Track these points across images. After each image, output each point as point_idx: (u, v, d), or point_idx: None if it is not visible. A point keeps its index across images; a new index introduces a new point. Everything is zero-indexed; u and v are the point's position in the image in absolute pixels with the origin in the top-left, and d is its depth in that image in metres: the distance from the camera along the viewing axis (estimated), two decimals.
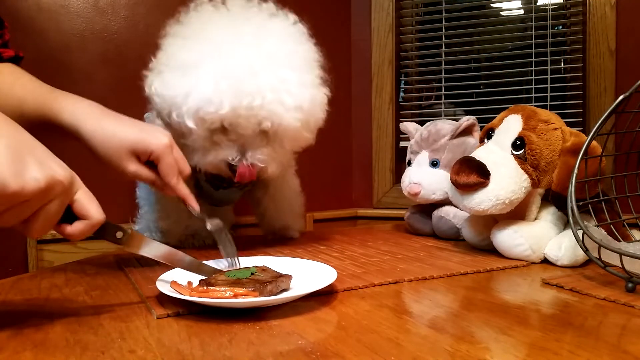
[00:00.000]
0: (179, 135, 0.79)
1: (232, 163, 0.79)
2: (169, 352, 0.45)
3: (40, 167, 0.46)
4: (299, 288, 0.61)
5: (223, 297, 0.55)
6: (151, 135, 0.70)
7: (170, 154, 0.70)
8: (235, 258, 0.72)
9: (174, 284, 0.59)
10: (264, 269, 0.63)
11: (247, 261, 0.70)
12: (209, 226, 0.74)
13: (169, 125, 0.80)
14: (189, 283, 0.61)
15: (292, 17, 0.85)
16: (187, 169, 0.73)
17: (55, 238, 1.24)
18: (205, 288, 0.57)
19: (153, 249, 0.62)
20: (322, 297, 0.61)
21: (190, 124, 0.76)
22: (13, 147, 0.46)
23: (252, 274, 0.61)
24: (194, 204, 0.73)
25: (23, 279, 0.73)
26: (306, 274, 0.65)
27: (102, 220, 0.54)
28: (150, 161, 0.71)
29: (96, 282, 0.71)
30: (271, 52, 0.78)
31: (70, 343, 0.48)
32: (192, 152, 0.80)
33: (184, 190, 0.72)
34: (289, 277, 0.62)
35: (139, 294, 0.64)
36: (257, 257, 0.73)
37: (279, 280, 0.60)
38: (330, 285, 0.61)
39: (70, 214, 0.52)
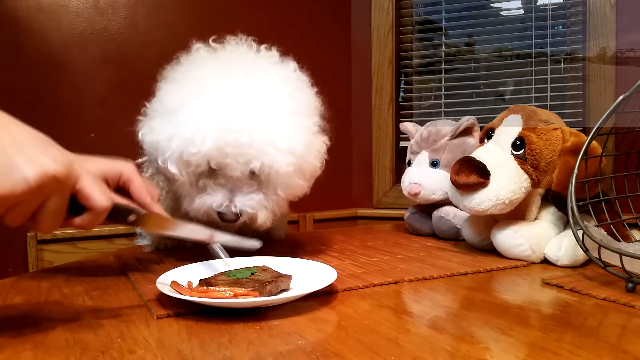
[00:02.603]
0: (169, 181, 0.76)
1: (219, 210, 0.73)
2: (169, 352, 0.45)
3: (29, 166, 0.45)
4: (299, 288, 0.61)
5: (223, 297, 0.55)
6: (117, 162, 0.68)
7: (139, 175, 0.68)
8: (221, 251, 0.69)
9: (174, 284, 0.59)
10: (264, 269, 0.63)
11: (247, 261, 0.70)
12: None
13: (159, 170, 0.77)
14: (189, 283, 0.61)
15: (293, 64, 0.81)
16: (157, 191, 0.70)
17: (55, 238, 1.24)
18: (205, 288, 0.57)
19: (171, 226, 0.61)
20: (322, 297, 0.61)
21: (173, 169, 0.72)
22: None
23: (252, 273, 0.61)
24: None
25: (23, 279, 0.73)
26: (306, 274, 0.65)
27: (108, 207, 0.52)
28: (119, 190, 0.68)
29: (96, 282, 0.71)
30: (263, 93, 0.74)
31: (70, 343, 0.48)
32: (180, 197, 0.77)
33: (159, 208, 0.68)
34: (289, 277, 0.62)
35: (139, 294, 0.64)
36: (257, 257, 0.73)
37: (278, 280, 0.60)
38: (330, 285, 0.61)
39: (79, 204, 0.51)
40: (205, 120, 0.70)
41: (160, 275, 0.62)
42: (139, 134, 0.77)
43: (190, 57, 0.81)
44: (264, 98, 0.74)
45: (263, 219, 0.76)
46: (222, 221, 0.74)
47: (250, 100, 0.72)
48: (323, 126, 0.81)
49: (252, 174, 0.74)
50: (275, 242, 0.99)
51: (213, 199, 0.73)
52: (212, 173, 0.74)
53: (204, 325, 0.52)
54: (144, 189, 0.66)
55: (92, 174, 0.52)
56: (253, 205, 0.74)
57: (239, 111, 0.71)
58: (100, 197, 0.52)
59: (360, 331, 0.50)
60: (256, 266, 0.64)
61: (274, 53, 0.82)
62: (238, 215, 0.73)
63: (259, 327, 0.52)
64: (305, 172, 0.77)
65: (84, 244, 1.25)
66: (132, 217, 0.58)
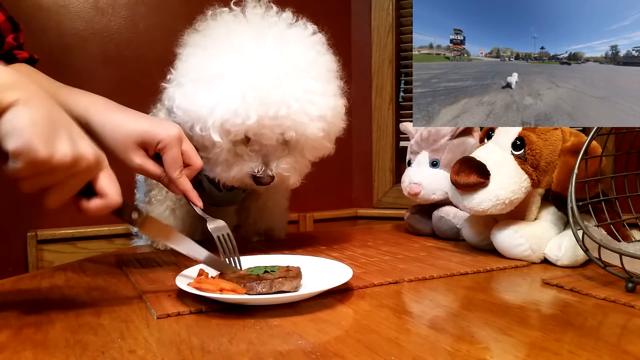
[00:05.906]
0: (201, 148, 0.78)
1: (257, 175, 0.78)
2: (169, 352, 0.45)
3: (70, 143, 0.49)
4: (305, 288, 0.61)
5: (209, 290, 0.57)
6: (160, 126, 0.70)
7: (177, 146, 0.70)
8: (235, 258, 0.70)
9: (200, 271, 0.63)
10: (288, 269, 0.63)
11: (280, 259, 0.71)
12: (209, 226, 0.72)
13: (190, 138, 0.78)
14: (205, 274, 0.64)
15: (311, 26, 0.84)
16: (198, 162, 0.72)
17: (55, 238, 1.24)
18: (199, 278, 0.59)
19: (169, 236, 0.62)
20: (322, 297, 0.61)
21: (216, 137, 0.75)
22: (49, 119, 0.48)
23: (266, 271, 0.61)
24: (196, 200, 0.72)
25: (23, 279, 0.73)
26: (324, 274, 0.65)
27: (119, 202, 0.55)
28: (159, 156, 0.71)
29: (96, 282, 0.71)
30: (294, 61, 0.77)
31: (70, 343, 0.48)
32: (213, 165, 0.80)
33: (185, 184, 0.71)
34: (294, 279, 0.60)
35: (139, 294, 0.64)
36: (290, 255, 0.75)
37: (276, 281, 0.59)
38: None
39: (89, 191, 0.54)
40: (249, 92, 0.73)
41: (160, 275, 0.62)
42: (173, 102, 0.78)
43: (214, 22, 0.82)
44: (295, 66, 0.77)
45: (294, 180, 0.83)
46: (258, 184, 0.79)
47: (285, 70, 0.76)
48: (342, 88, 0.84)
49: (284, 140, 0.78)
50: (275, 242, 0.99)
51: (251, 166, 0.78)
52: (245, 140, 0.77)
53: (204, 325, 0.52)
54: (175, 162, 0.69)
55: (111, 171, 0.55)
56: (287, 168, 0.80)
57: (278, 83, 0.74)
58: (116, 190, 0.55)
59: (360, 331, 0.50)
60: (279, 266, 0.64)
61: (290, 15, 0.84)
62: (273, 178, 0.79)
63: (259, 327, 0.52)
64: (331, 135, 0.83)
65: (84, 244, 1.25)
66: (134, 215, 0.59)
